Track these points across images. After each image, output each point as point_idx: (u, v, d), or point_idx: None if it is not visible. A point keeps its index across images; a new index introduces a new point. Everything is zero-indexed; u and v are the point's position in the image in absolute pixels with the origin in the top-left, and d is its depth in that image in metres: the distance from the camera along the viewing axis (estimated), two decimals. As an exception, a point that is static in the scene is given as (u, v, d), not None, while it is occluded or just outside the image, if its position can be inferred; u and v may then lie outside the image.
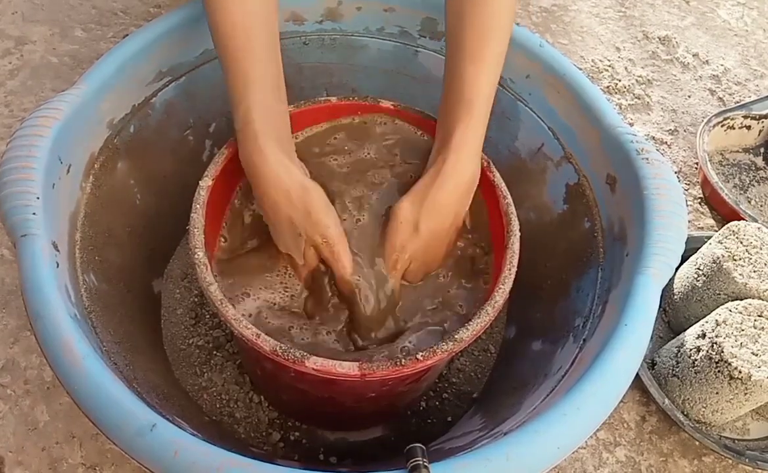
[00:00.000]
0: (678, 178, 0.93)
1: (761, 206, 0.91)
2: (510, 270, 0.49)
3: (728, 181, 0.94)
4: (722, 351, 0.61)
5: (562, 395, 0.43)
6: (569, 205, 0.63)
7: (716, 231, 0.75)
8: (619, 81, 1.04)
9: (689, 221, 0.88)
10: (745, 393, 0.61)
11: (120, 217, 0.60)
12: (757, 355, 0.61)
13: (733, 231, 0.70)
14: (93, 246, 0.54)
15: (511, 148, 0.68)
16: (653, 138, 0.98)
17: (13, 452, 0.59)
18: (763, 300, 0.66)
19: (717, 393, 0.63)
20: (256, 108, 0.48)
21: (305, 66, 0.70)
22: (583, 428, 0.41)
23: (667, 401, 0.66)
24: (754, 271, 0.67)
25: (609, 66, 1.07)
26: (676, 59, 1.11)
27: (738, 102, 1.04)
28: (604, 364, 0.43)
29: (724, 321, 0.63)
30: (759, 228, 0.70)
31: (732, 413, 0.65)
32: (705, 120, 0.93)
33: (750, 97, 1.05)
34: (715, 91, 1.07)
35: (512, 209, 0.53)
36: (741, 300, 0.66)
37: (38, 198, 0.45)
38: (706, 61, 1.12)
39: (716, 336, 0.62)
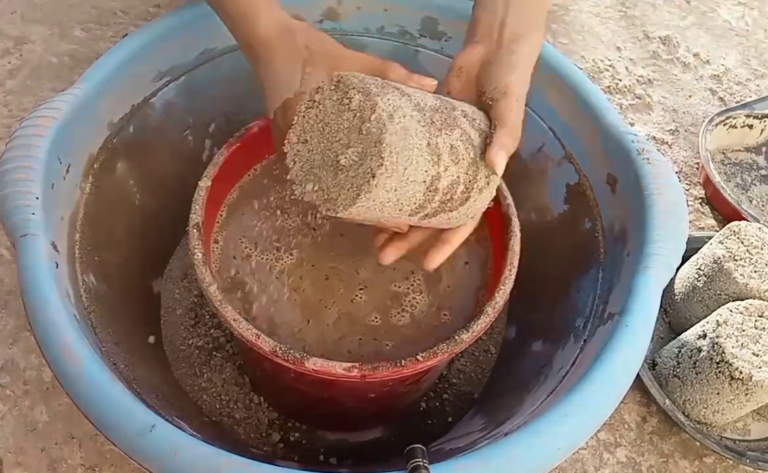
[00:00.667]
0: (679, 178, 0.93)
1: (762, 206, 0.91)
2: (510, 270, 0.49)
3: (730, 181, 0.93)
4: (723, 352, 0.61)
5: (563, 395, 0.43)
6: (570, 205, 0.63)
7: (717, 231, 0.75)
8: (620, 81, 1.04)
9: (690, 221, 0.88)
10: (746, 394, 0.61)
11: (119, 217, 0.60)
12: (758, 356, 0.61)
13: (734, 231, 0.70)
14: (92, 247, 0.54)
15: (511, 148, 0.68)
16: (654, 138, 0.98)
17: (12, 453, 0.59)
18: (764, 300, 0.66)
19: (718, 393, 0.63)
20: None
21: (305, 66, 0.69)
22: (584, 429, 0.41)
23: (667, 401, 0.66)
24: (755, 272, 0.67)
25: (610, 66, 1.06)
26: (676, 59, 1.11)
27: (739, 102, 1.04)
28: (604, 365, 0.43)
29: (725, 322, 0.63)
30: (760, 228, 0.70)
31: (733, 413, 0.65)
32: (707, 119, 0.93)
33: (751, 96, 1.05)
34: (715, 90, 1.07)
35: (513, 210, 0.52)
36: (742, 300, 0.65)
37: (37, 198, 0.45)
38: (707, 60, 1.11)
39: (717, 337, 0.62)
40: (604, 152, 0.58)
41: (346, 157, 0.38)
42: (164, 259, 0.71)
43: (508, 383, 0.63)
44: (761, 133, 0.97)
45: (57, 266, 0.45)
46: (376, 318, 0.51)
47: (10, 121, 0.82)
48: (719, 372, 0.62)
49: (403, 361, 0.43)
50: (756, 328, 0.63)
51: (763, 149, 0.97)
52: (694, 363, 0.65)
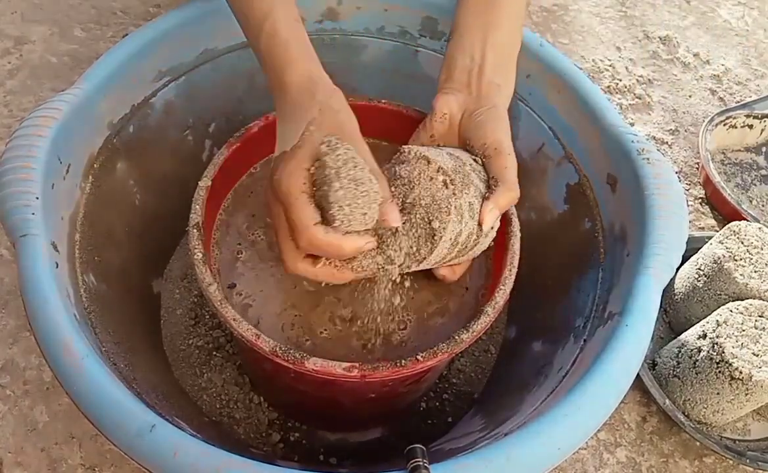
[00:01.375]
0: (679, 177, 0.93)
1: (762, 206, 0.91)
2: (510, 270, 0.49)
3: (730, 181, 0.93)
4: (723, 352, 0.61)
5: (563, 395, 0.43)
6: (570, 205, 0.63)
7: (717, 231, 0.75)
8: (620, 81, 1.04)
9: (690, 221, 0.88)
10: (746, 394, 0.61)
11: (119, 217, 0.60)
12: (757, 356, 0.61)
13: (734, 231, 0.70)
14: (92, 247, 0.54)
15: (511, 148, 0.68)
16: (654, 138, 0.98)
17: (12, 453, 0.59)
18: (763, 300, 0.66)
19: (718, 393, 0.63)
20: (282, 21, 0.47)
21: (305, 66, 0.69)
22: (584, 429, 0.41)
23: (667, 401, 0.66)
24: (755, 272, 0.67)
25: (610, 66, 1.06)
26: (676, 59, 1.11)
27: (739, 102, 1.04)
28: (604, 365, 0.43)
29: (725, 322, 0.63)
30: (760, 228, 0.70)
31: (733, 413, 0.65)
32: (707, 119, 0.93)
33: (751, 96, 1.05)
34: (715, 90, 1.07)
35: (513, 210, 0.52)
36: (742, 300, 0.65)
37: (37, 198, 0.45)
38: (707, 60, 1.11)
39: (717, 337, 0.62)
40: (604, 152, 0.58)
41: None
42: (164, 259, 0.71)
43: (508, 383, 0.63)
44: (761, 133, 0.97)
45: (57, 266, 0.45)
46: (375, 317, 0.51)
47: (10, 121, 0.82)
48: (719, 372, 0.62)
49: (403, 361, 0.43)
50: (756, 328, 0.63)
51: (763, 149, 0.97)
52: (694, 363, 0.65)
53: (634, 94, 1.03)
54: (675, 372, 0.67)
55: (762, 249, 0.69)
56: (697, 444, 0.67)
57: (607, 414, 0.42)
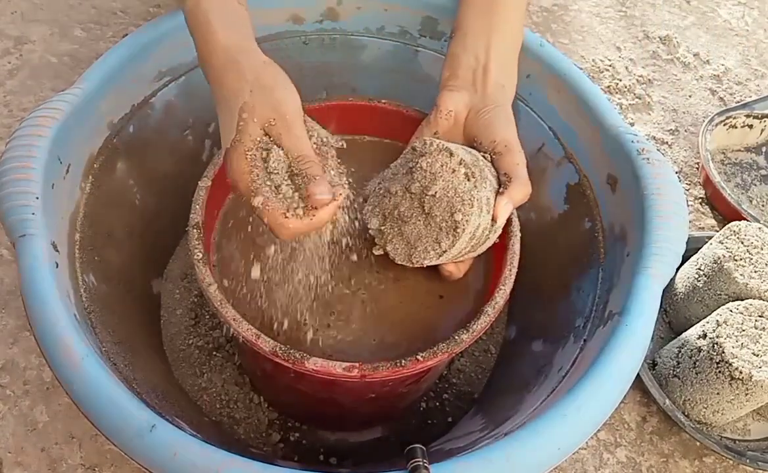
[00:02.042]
0: (679, 178, 0.93)
1: (763, 206, 0.91)
2: (510, 270, 0.49)
3: (730, 181, 0.93)
4: (723, 352, 0.61)
5: (563, 395, 0.43)
6: (570, 205, 0.63)
7: (717, 231, 0.75)
8: (620, 81, 1.04)
9: (690, 221, 0.88)
10: (746, 394, 0.61)
11: (119, 217, 0.60)
12: (757, 356, 0.61)
13: (734, 231, 0.70)
14: (92, 247, 0.54)
15: (511, 148, 0.68)
16: (654, 138, 0.98)
17: (12, 453, 0.59)
18: (764, 300, 0.66)
19: (718, 393, 0.63)
20: None
21: (305, 66, 0.69)
22: (584, 429, 0.41)
23: (667, 401, 0.66)
24: (755, 272, 0.67)
25: (610, 66, 1.06)
26: (676, 59, 1.11)
27: (739, 102, 1.04)
28: (604, 365, 0.43)
29: (725, 322, 0.63)
30: (760, 228, 0.70)
31: (733, 413, 0.65)
32: (707, 119, 0.93)
33: (751, 96, 1.05)
34: (715, 90, 1.07)
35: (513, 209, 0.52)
36: (742, 300, 0.65)
37: (37, 198, 0.45)
38: (707, 60, 1.11)
39: (717, 337, 0.62)
40: (604, 152, 0.58)
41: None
42: (164, 259, 0.71)
43: (508, 383, 0.63)
44: (761, 133, 0.97)
45: (57, 266, 0.45)
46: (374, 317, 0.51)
47: (10, 121, 0.82)
48: (719, 372, 0.62)
49: (403, 361, 0.43)
50: (756, 328, 0.63)
51: (763, 149, 0.97)
52: (694, 363, 0.65)
53: (634, 94, 1.03)
54: (675, 372, 0.67)
55: (762, 249, 0.69)
56: (697, 444, 0.67)
57: (607, 414, 0.42)
